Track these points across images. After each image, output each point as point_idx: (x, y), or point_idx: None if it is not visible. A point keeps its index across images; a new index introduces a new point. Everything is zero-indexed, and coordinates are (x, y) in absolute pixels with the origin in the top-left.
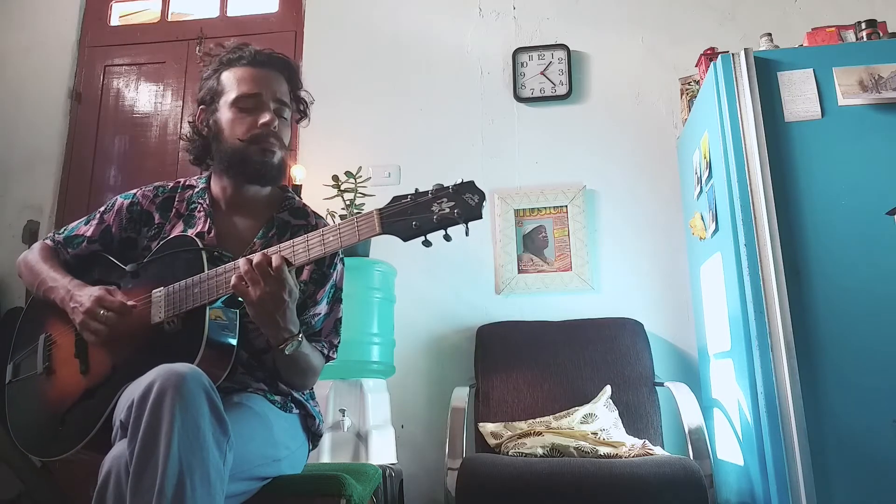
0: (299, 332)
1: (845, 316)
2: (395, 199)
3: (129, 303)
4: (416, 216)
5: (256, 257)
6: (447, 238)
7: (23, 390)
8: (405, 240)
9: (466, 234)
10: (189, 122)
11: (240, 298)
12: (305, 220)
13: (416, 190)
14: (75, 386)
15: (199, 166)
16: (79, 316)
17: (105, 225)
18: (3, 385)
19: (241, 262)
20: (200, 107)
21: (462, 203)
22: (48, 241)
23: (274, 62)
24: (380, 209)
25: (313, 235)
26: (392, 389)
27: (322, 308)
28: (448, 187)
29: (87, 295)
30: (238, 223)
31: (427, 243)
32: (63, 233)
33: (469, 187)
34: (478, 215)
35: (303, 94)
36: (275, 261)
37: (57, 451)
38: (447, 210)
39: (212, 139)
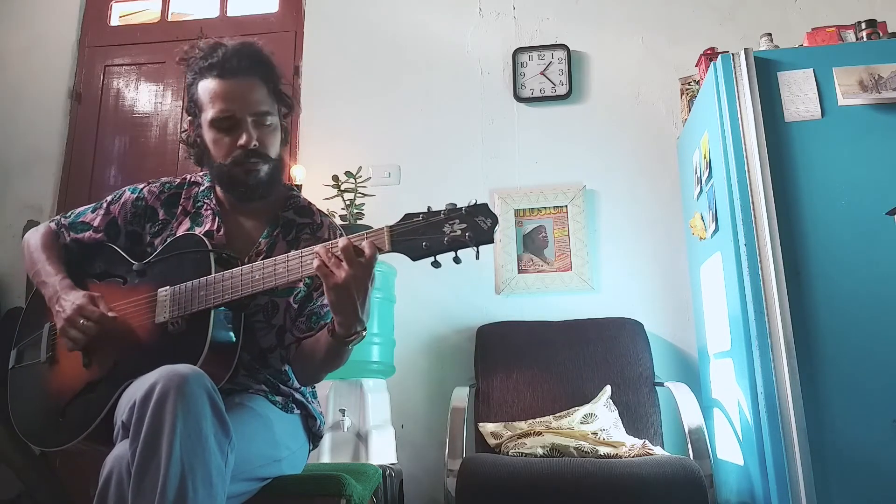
0: (365, 330)
1: (845, 316)
2: (407, 216)
3: (110, 314)
4: (426, 237)
5: (342, 242)
6: (457, 261)
7: (25, 377)
8: (414, 259)
9: (477, 257)
10: (182, 131)
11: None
12: (311, 219)
13: (429, 209)
14: (77, 378)
15: (203, 167)
16: (60, 321)
17: (111, 216)
18: (5, 375)
19: (319, 248)
20: (188, 118)
21: (474, 226)
22: (52, 225)
23: (245, 68)
24: (391, 226)
25: (323, 246)
26: (392, 389)
27: None
28: (461, 208)
29: (70, 301)
30: (244, 222)
31: (436, 264)
32: (69, 217)
33: (482, 210)
34: (489, 240)
35: (283, 87)
36: (367, 249)
37: (56, 441)
38: (458, 232)
39: (202, 153)
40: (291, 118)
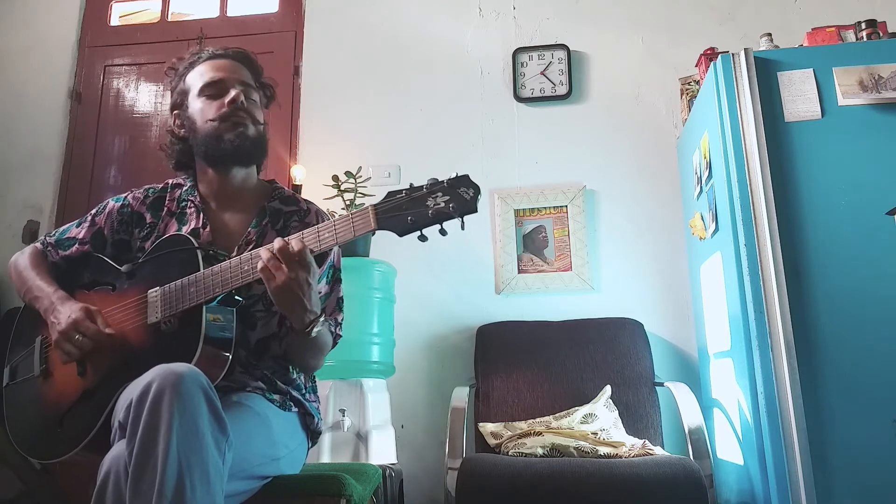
0: (321, 314)
1: (845, 316)
2: (390, 194)
3: (107, 330)
4: (411, 211)
5: (277, 243)
6: (443, 232)
7: (20, 393)
8: (401, 235)
9: (462, 227)
10: (167, 131)
11: (248, 291)
12: (297, 206)
13: (411, 185)
14: (73, 388)
15: (181, 171)
16: (55, 334)
17: (97, 227)
18: (1, 388)
19: (262, 251)
20: (174, 112)
21: (457, 197)
22: (38, 245)
23: (231, 54)
24: (375, 205)
25: (309, 232)
26: (392, 389)
27: (322, 287)
28: (443, 181)
29: (66, 314)
30: (230, 217)
31: (423, 238)
32: (55, 235)
33: (464, 181)
34: (473, 209)
35: (266, 80)
36: (295, 245)
37: (55, 453)
38: (442, 204)
39: (188, 134)
40: (271, 108)
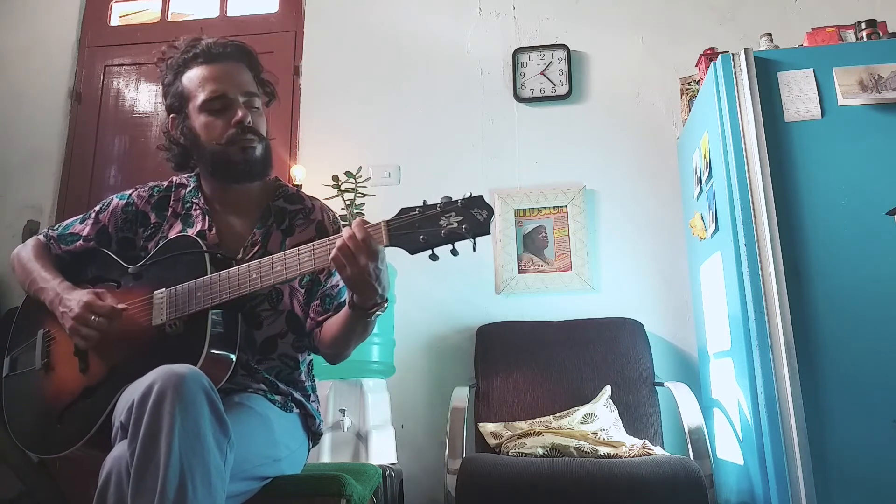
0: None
1: (845, 316)
2: (403, 211)
3: (120, 306)
4: (423, 230)
5: (356, 229)
6: (454, 253)
7: (20, 385)
8: (412, 253)
9: (474, 248)
10: (164, 132)
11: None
12: (301, 204)
13: (425, 202)
14: (74, 384)
15: (183, 171)
16: (68, 322)
17: (101, 225)
18: (1, 378)
19: (342, 238)
20: (171, 115)
21: (470, 218)
22: (41, 237)
23: (230, 53)
24: (388, 221)
25: (320, 244)
26: (392, 389)
27: (338, 280)
28: (457, 201)
29: (76, 300)
30: (235, 218)
31: (434, 257)
32: (57, 229)
33: (478, 202)
34: (486, 231)
35: (265, 76)
36: (359, 234)
37: (55, 448)
38: (455, 224)
39: (190, 146)
40: (273, 105)
